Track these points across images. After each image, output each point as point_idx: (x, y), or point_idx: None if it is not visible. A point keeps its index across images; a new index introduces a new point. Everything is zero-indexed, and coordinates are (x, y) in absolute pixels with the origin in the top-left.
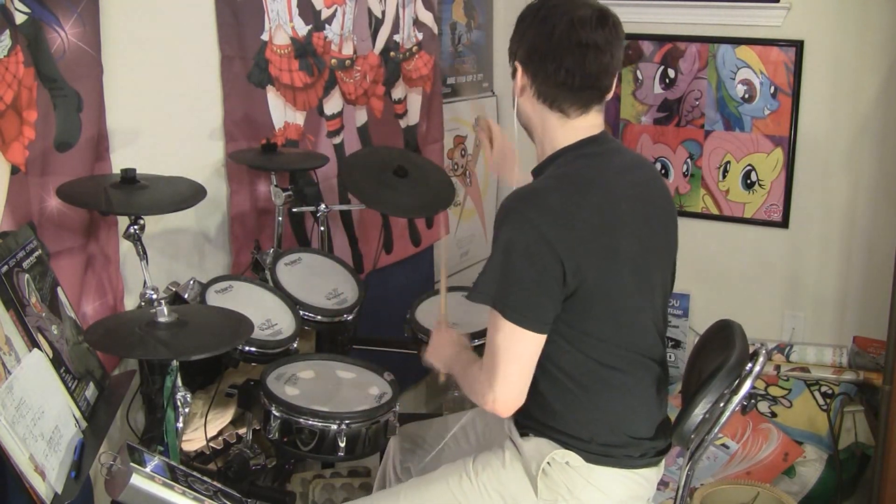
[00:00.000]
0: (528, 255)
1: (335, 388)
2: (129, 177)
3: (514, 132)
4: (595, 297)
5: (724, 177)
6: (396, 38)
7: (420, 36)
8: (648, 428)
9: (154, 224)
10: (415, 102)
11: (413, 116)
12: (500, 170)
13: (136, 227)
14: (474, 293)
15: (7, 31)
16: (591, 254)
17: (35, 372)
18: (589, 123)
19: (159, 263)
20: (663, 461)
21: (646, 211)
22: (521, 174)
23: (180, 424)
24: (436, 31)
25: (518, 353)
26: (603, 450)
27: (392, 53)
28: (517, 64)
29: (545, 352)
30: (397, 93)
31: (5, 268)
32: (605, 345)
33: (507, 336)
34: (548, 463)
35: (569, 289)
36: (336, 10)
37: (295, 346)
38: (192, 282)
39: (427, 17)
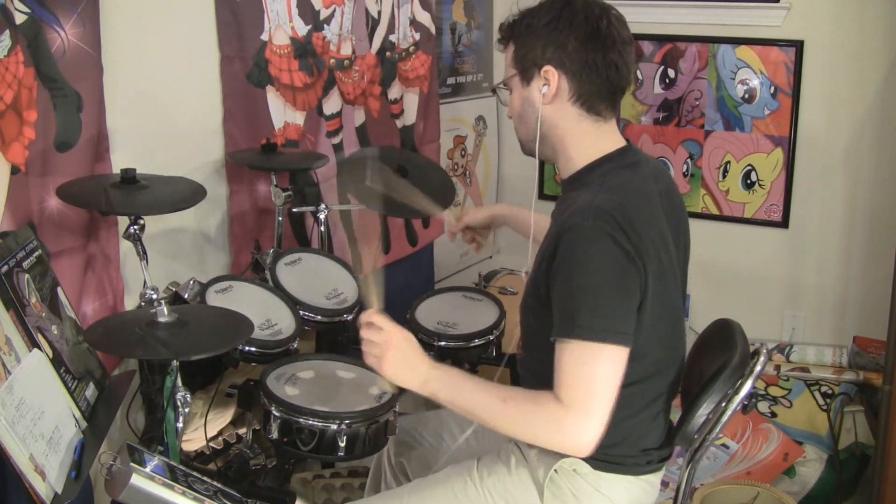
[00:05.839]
0: (613, 271)
1: (335, 388)
2: (129, 177)
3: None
4: (656, 313)
5: (724, 177)
6: (392, 38)
7: (417, 36)
8: (658, 438)
9: (154, 224)
10: (411, 102)
11: (409, 116)
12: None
13: (136, 227)
14: (575, 328)
15: (7, 31)
16: (654, 271)
17: (35, 372)
18: (615, 129)
19: (159, 263)
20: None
21: (672, 221)
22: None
23: (180, 424)
24: (433, 31)
25: (614, 375)
26: (612, 458)
27: (388, 53)
28: (550, 68)
29: None
30: (393, 93)
31: (5, 268)
32: (640, 362)
33: (609, 363)
34: (555, 470)
35: (640, 303)
36: (335, 11)
37: (295, 346)
38: (192, 282)
39: (425, 18)
